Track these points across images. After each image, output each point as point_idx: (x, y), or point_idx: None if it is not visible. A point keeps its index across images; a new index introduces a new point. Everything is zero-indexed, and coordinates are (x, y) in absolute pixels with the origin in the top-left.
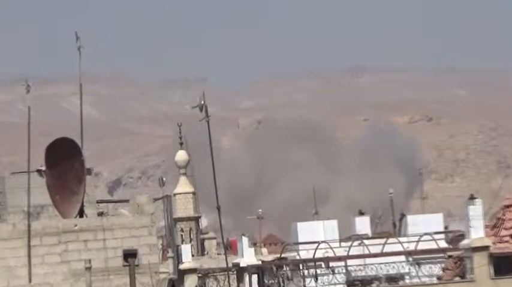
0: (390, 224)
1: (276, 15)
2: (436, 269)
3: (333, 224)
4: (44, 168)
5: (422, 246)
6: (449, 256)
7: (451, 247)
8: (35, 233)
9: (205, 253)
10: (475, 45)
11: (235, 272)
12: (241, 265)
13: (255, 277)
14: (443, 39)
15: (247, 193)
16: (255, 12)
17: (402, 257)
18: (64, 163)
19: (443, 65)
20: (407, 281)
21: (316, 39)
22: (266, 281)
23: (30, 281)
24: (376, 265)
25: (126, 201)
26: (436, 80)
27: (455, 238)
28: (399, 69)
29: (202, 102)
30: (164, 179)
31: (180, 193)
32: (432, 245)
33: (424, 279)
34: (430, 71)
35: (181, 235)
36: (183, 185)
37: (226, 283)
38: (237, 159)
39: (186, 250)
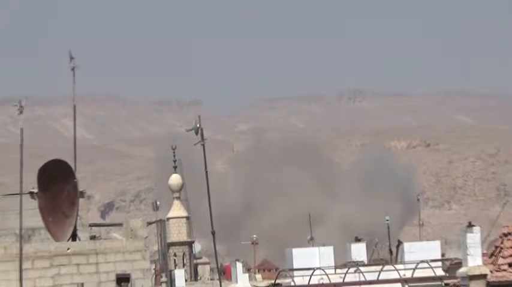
0: (386, 251)
1: (273, 38)
2: None
3: (329, 250)
4: (36, 190)
5: (418, 274)
6: (446, 284)
7: (448, 275)
8: (26, 257)
9: (199, 278)
10: (478, 69)
11: None
12: None
13: None
14: (445, 63)
15: (238, 218)
16: (251, 35)
17: (398, 285)
18: (57, 185)
19: (444, 89)
20: None
21: (314, 62)
22: None
23: None
24: None
25: (120, 225)
26: (436, 105)
27: (452, 265)
28: (399, 94)
29: (198, 125)
30: (158, 203)
31: (173, 217)
32: (429, 273)
33: None
34: (431, 96)
35: (175, 260)
36: (177, 210)
37: None
38: (229, 183)
39: (180, 274)
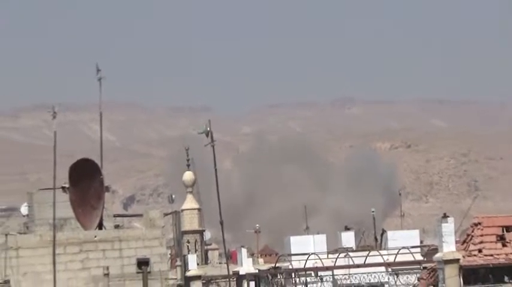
0: (372, 239)
1: (274, 52)
2: (412, 279)
3: (322, 238)
4: (67, 185)
5: (400, 258)
6: (424, 268)
7: (425, 259)
8: (59, 243)
9: (209, 262)
10: (451, 80)
11: (235, 279)
12: (240, 273)
13: (252, 284)
14: (422, 75)
15: (243, 210)
16: (255, 49)
17: (382, 268)
18: (85, 181)
19: (422, 98)
20: None
21: (310, 72)
22: None
23: (54, 285)
24: (360, 275)
25: (140, 215)
26: (416, 112)
27: (429, 251)
28: (384, 101)
29: (208, 128)
30: (174, 196)
31: (187, 209)
32: (409, 258)
33: None
34: (411, 103)
35: (188, 246)
36: (190, 202)
37: None
38: (234, 179)
39: (192, 259)
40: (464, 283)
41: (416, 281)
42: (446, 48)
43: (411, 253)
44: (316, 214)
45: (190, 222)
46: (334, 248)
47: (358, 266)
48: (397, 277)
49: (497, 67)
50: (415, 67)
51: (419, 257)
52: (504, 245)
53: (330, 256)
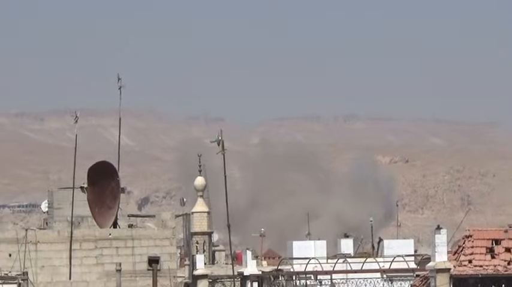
0: (370, 246)
1: (282, 69)
2: (406, 285)
3: (322, 243)
4: (86, 185)
5: (395, 266)
6: (417, 275)
7: (419, 267)
8: (76, 239)
9: (216, 262)
10: (449, 101)
11: (239, 279)
12: (244, 274)
13: (255, 285)
14: (422, 95)
15: (249, 214)
16: (264, 66)
17: (378, 274)
18: (103, 182)
19: (421, 116)
20: None
21: (316, 89)
22: None
23: (70, 278)
24: (356, 280)
25: (153, 216)
26: (415, 129)
27: (422, 260)
28: (385, 118)
29: (220, 138)
30: (185, 199)
31: (197, 212)
32: (403, 266)
33: None
34: (410, 121)
35: (197, 247)
36: (200, 206)
37: None
38: (242, 186)
39: (200, 259)
40: None
41: None
42: (444, 73)
43: (405, 261)
44: (318, 218)
45: (199, 224)
46: (334, 254)
47: (355, 271)
48: (392, 283)
49: (489, 90)
50: (415, 88)
51: (413, 265)
52: (493, 257)
53: (330, 261)
